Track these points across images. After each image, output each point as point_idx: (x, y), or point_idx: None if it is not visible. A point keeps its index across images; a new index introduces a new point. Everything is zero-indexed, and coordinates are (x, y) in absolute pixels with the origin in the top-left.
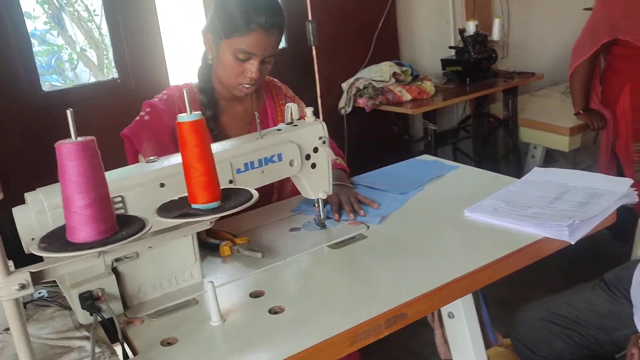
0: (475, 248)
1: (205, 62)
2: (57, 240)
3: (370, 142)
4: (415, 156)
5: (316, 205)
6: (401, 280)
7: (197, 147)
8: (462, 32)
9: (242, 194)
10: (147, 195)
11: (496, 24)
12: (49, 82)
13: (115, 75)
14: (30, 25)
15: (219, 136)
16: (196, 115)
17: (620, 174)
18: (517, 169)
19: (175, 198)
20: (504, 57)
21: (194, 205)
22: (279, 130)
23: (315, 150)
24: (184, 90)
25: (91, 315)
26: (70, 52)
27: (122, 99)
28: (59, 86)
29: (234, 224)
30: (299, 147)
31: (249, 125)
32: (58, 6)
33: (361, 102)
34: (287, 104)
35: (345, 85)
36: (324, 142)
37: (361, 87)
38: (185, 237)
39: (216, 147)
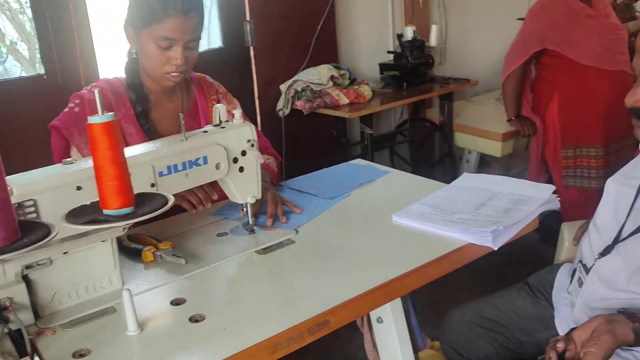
0: (402, 253)
1: (131, 56)
2: None
3: (307, 145)
4: (352, 159)
5: (244, 209)
6: (326, 287)
7: (109, 149)
8: (400, 37)
9: (157, 199)
10: (62, 199)
11: (433, 30)
12: None
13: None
14: None
15: (150, 132)
16: (108, 116)
17: (550, 179)
18: (452, 173)
19: (87, 203)
20: (441, 63)
21: (105, 211)
22: (205, 132)
23: (244, 153)
24: (96, 91)
25: None
26: None
27: (48, 96)
28: None
29: (158, 228)
30: (226, 150)
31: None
32: None
33: (299, 104)
34: (215, 105)
35: (283, 87)
36: (252, 145)
37: (299, 89)
38: (103, 242)
39: (137, 149)
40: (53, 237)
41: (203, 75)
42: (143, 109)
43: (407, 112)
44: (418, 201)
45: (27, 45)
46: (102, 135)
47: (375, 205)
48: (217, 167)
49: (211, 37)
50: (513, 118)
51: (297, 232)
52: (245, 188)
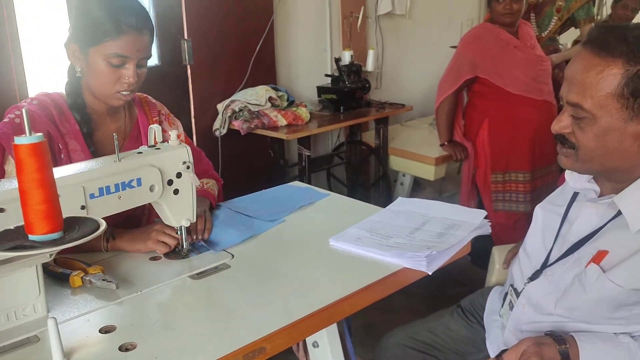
0: (339, 278)
1: (73, 75)
2: None
3: (245, 165)
4: (290, 180)
5: (178, 233)
6: (262, 313)
7: (37, 172)
8: (337, 61)
9: (88, 224)
10: None
11: (370, 55)
12: None
13: None
14: None
15: (95, 153)
16: (37, 137)
17: (480, 202)
18: (387, 196)
19: (11, 227)
20: (377, 87)
21: (31, 236)
22: (140, 153)
23: (179, 175)
24: (24, 110)
25: None
26: None
27: None
28: None
29: (90, 249)
30: (160, 171)
31: (123, 142)
32: None
33: (236, 124)
34: (150, 126)
35: (220, 107)
36: (187, 167)
37: (237, 109)
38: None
39: (67, 169)
40: None
41: (145, 95)
42: (88, 130)
43: (343, 135)
44: (355, 225)
45: None
46: (29, 157)
47: (312, 229)
48: (152, 189)
49: None
50: (446, 143)
51: (233, 256)
52: (179, 211)
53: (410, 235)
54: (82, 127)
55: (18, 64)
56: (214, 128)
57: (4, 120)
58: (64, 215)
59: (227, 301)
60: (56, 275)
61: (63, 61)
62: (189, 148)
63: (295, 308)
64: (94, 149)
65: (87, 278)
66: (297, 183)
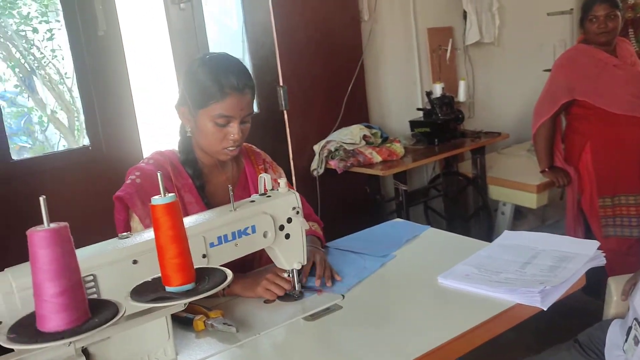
0: (450, 316)
1: (184, 134)
2: (27, 329)
3: (342, 203)
4: (388, 216)
5: (290, 276)
6: (377, 354)
7: (171, 229)
8: (429, 94)
9: (217, 275)
10: (119, 273)
11: (462, 85)
12: (18, 144)
13: (86, 138)
14: (0, 88)
15: (209, 205)
16: (170, 197)
17: (588, 228)
18: (488, 226)
19: (149, 279)
20: (470, 117)
21: (168, 288)
22: (252, 201)
23: (289, 220)
24: (159, 174)
25: None
26: (40, 114)
27: (93, 166)
28: (27, 147)
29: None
30: (272, 218)
31: (233, 191)
32: (29, 69)
33: (333, 164)
34: (260, 175)
35: (317, 148)
36: (297, 212)
37: (332, 149)
38: None
39: (189, 220)
40: (122, 316)
41: (250, 145)
42: (201, 183)
43: (439, 167)
44: (462, 261)
45: (66, 114)
46: (164, 216)
47: (417, 266)
48: (265, 235)
49: None
50: (547, 169)
51: (343, 297)
52: (291, 254)
53: (521, 270)
54: (195, 180)
55: (131, 121)
56: (311, 168)
57: (127, 181)
58: None
59: (341, 343)
60: (181, 320)
61: (173, 122)
62: (297, 194)
63: (410, 348)
64: (207, 200)
65: (209, 322)
66: (396, 220)
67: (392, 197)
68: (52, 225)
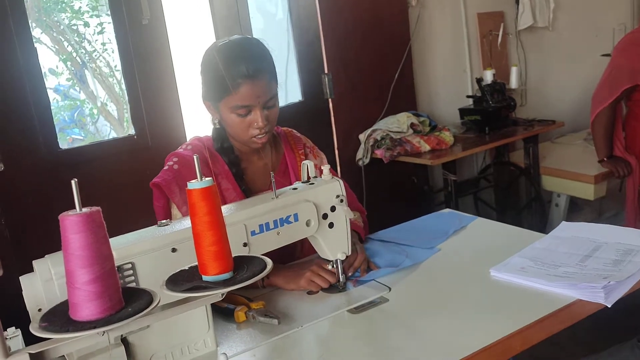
0: (504, 311)
1: (215, 125)
2: (60, 317)
3: (389, 193)
4: (436, 206)
5: (334, 266)
6: (423, 350)
7: (208, 215)
8: (479, 81)
9: (256, 263)
10: (158, 261)
11: (513, 72)
12: (71, 137)
13: (133, 128)
14: (54, 82)
15: (246, 192)
16: (207, 182)
17: None
18: (541, 218)
19: (186, 268)
20: (522, 104)
21: (204, 277)
22: (295, 189)
23: (333, 209)
24: (195, 157)
25: None
26: (91, 106)
27: (138, 155)
28: (80, 139)
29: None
30: (315, 206)
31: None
32: (80, 63)
33: (379, 153)
34: (302, 162)
35: (362, 137)
36: (341, 201)
37: (379, 138)
38: None
39: (229, 208)
40: (156, 306)
41: (290, 129)
42: (237, 170)
43: (489, 157)
44: (517, 253)
45: (116, 106)
46: (200, 201)
47: (467, 259)
48: (308, 223)
49: (292, 91)
50: (605, 159)
51: (390, 289)
52: (335, 244)
53: (581, 263)
54: (231, 167)
55: (176, 110)
56: (356, 158)
57: (165, 168)
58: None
59: (388, 337)
60: (222, 310)
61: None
62: (341, 182)
63: (460, 345)
64: (245, 187)
65: (251, 313)
66: (443, 211)
67: (441, 187)
68: (85, 209)
